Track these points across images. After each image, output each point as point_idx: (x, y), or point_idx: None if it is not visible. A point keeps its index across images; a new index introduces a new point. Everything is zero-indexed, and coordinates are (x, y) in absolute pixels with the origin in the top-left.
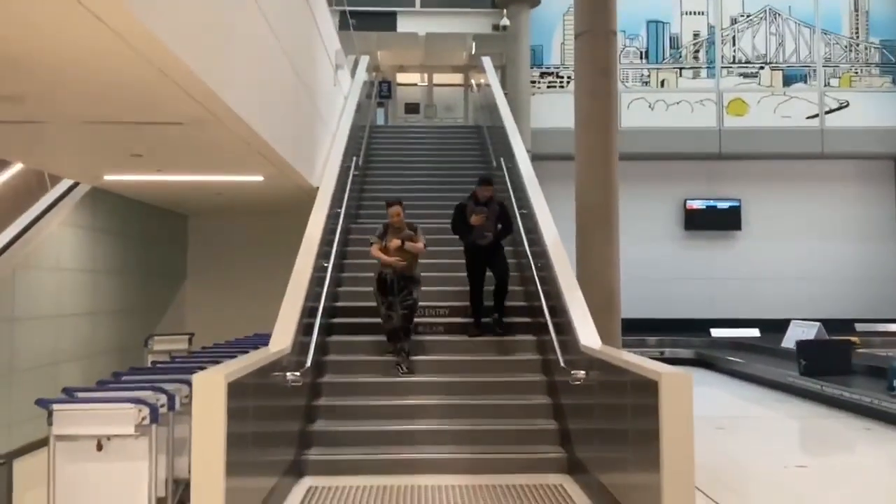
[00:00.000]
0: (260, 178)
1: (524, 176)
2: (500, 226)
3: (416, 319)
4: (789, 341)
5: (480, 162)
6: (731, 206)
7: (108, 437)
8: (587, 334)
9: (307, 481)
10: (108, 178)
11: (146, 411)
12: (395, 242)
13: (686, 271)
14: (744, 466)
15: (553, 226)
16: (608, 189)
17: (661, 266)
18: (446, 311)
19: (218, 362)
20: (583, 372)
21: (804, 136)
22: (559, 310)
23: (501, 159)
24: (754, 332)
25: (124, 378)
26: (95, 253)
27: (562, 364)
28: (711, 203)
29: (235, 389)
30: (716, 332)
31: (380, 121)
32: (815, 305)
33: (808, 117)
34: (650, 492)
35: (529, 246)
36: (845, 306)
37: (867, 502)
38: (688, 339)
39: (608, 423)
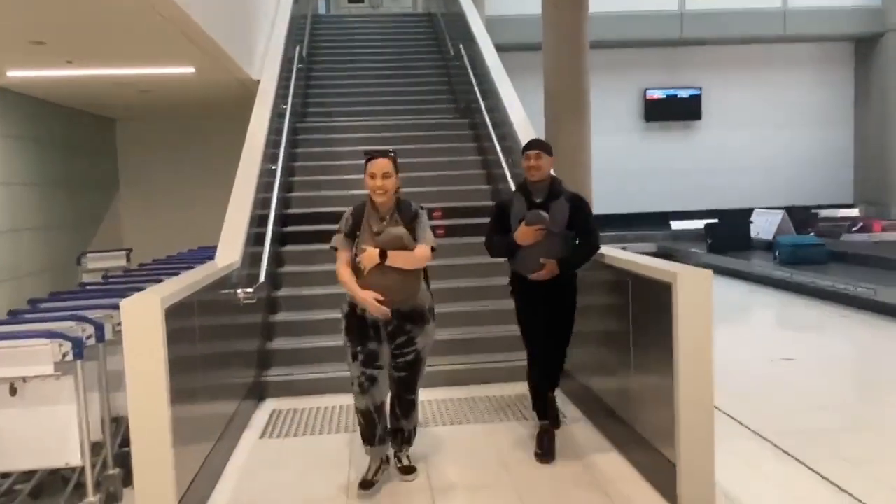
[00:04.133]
0: (191, 70)
1: (488, 61)
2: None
3: None
4: (754, 230)
5: (436, 52)
6: (691, 95)
7: (24, 379)
8: None
9: (269, 404)
10: (11, 73)
11: (67, 346)
12: (371, 254)
13: (646, 163)
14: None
15: (524, 114)
16: (579, 72)
17: (620, 159)
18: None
19: (158, 281)
20: None
21: (766, 17)
22: None
23: (461, 46)
24: (714, 223)
25: (43, 306)
26: (11, 163)
27: None
28: (672, 92)
29: (176, 313)
30: (676, 225)
31: (321, 10)
32: (775, 194)
33: None
34: (660, 402)
35: (499, 140)
36: (805, 193)
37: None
38: (651, 233)
39: (601, 328)
